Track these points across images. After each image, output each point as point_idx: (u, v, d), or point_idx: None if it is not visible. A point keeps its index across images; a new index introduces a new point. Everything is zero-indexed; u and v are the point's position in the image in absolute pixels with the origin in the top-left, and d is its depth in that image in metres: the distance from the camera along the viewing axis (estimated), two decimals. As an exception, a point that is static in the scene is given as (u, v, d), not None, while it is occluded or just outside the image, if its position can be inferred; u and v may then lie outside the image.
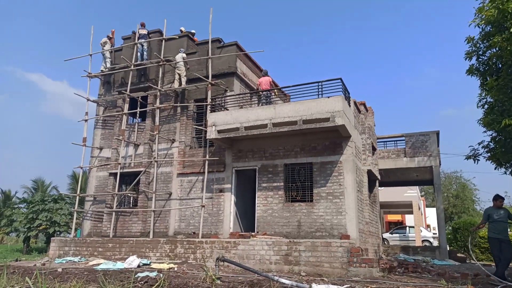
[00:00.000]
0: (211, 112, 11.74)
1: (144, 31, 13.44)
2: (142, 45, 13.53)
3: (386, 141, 15.61)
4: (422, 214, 25.79)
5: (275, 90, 12.64)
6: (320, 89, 10.40)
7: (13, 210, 20.77)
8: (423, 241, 20.97)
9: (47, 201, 17.91)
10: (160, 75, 13.22)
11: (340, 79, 10.28)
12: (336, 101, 9.92)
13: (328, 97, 10.06)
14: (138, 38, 13.52)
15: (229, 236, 11.04)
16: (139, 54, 13.60)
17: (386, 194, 20.69)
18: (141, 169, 12.97)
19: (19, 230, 19.21)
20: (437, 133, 14.85)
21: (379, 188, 16.34)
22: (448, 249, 16.29)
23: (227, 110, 11.76)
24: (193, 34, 13.91)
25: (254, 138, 11.41)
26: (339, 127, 9.94)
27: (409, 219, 28.28)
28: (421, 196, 29.40)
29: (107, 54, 14.19)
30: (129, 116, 14.25)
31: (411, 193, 21.66)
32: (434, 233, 23.62)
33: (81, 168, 13.88)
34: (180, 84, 12.75)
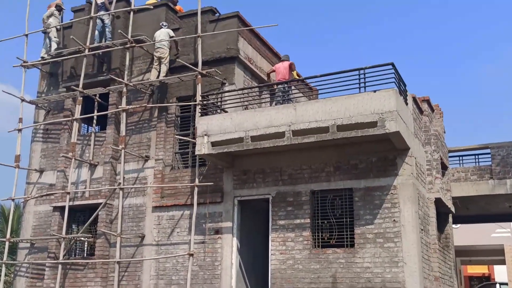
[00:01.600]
0: (202, 115, 11.96)
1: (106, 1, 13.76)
2: (102, 20, 13.71)
3: (462, 156, 15.90)
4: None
5: (297, 81, 13.04)
6: (362, 80, 10.61)
7: None
8: None
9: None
10: (127, 63, 13.33)
11: (392, 64, 10.38)
12: (387, 97, 10.05)
13: (375, 91, 10.22)
14: (97, 10, 13.75)
15: (230, 299, 10.89)
16: (97, 32, 13.78)
17: (464, 234, 20.73)
18: (100, 200, 13.05)
19: None
20: (540, 142, 14.88)
21: (454, 225, 16.31)
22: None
23: (225, 112, 11.94)
24: (175, 2, 14.23)
25: (266, 153, 11.50)
26: (391, 135, 10.05)
27: (500, 272, 28.05)
28: None
29: (53, 33, 14.38)
30: (82, 123, 14.43)
31: (502, 233, 21.71)
32: None
33: (12, 200, 14.28)
34: (158, 75, 12.89)
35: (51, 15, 14.44)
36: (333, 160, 11.19)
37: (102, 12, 13.64)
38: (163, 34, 12.93)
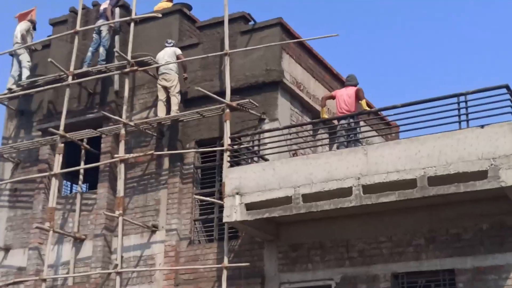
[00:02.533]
0: (231, 165, 11.65)
1: (106, 5, 14.15)
2: (99, 33, 13.67)
3: None
4: None
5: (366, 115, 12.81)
6: (463, 111, 10.36)
7: None
8: None
9: None
10: (127, 94, 12.98)
11: (506, 87, 9.96)
12: (501, 134, 9.66)
13: (482, 126, 9.86)
14: (97, 18, 13.96)
15: None
16: (89, 53, 13.75)
17: None
18: None
19: None
20: None
21: None
22: None
23: (265, 160, 11.60)
24: (190, 8, 13.98)
25: (325, 219, 11.09)
26: (509, 190, 9.53)
27: None
28: None
29: (25, 56, 14.27)
30: (64, 179, 14.24)
31: None
32: None
33: None
34: (169, 110, 12.58)
35: (25, 30, 14.51)
36: (424, 228, 10.79)
37: (101, 21, 13.66)
38: (168, 55, 12.87)
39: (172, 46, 12.97)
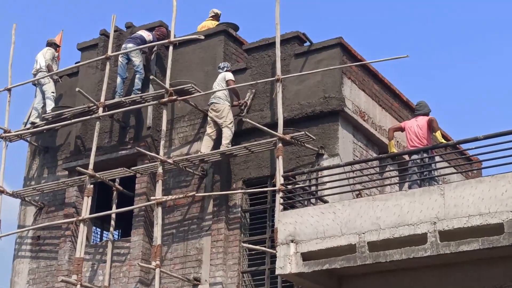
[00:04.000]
0: (285, 209, 10.66)
1: (145, 34, 13.26)
2: (129, 59, 13.01)
3: None
4: None
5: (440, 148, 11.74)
6: None
7: None
8: None
9: None
10: (164, 128, 12.23)
11: None
12: None
13: None
14: (119, 45, 13.33)
15: None
16: (120, 81, 13.08)
17: None
18: None
19: None
20: None
21: None
22: None
23: (324, 202, 10.67)
24: (237, 29, 13.32)
25: (395, 271, 10.07)
26: None
27: None
28: None
29: (50, 86, 13.63)
30: (93, 226, 13.68)
31: None
32: None
33: None
34: (213, 144, 11.92)
35: (53, 58, 13.99)
36: None
37: (130, 46, 12.86)
38: (218, 82, 12.04)
39: (225, 70, 12.17)
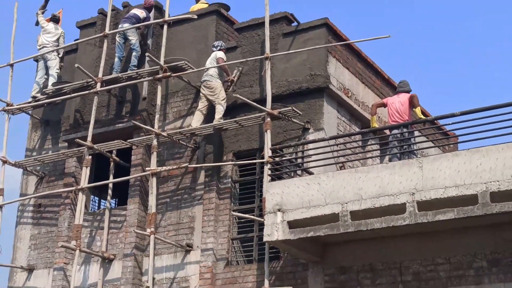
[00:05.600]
0: (273, 180, 11.03)
1: (139, 12, 13.42)
2: (126, 38, 13.25)
3: None
4: None
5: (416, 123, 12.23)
6: None
7: None
8: None
9: None
10: (159, 102, 12.50)
11: None
12: None
13: None
14: (117, 23, 13.56)
15: None
16: (117, 58, 13.27)
17: None
18: None
19: None
20: None
21: None
22: None
23: (310, 173, 11.03)
24: (228, 9, 13.49)
25: (376, 239, 10.50)
26: None
27: None
28: None
29: (53, 61, 13.82)
30: (91, 194, 14.04)
31: None
32: None
33: None
34: (206, 119, 12.22)
35: (59, 37, 14.09)
36: (487, 249, 10.09)
37: (126, 25, 13.01)
38: (210, 60, 12.28)
39: (218, 49, 12.32)
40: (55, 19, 14.57)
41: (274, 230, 10.06)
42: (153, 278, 11.68)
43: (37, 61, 14.42)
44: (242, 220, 11.69)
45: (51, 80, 13.94)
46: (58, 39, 14.74)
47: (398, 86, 12.22)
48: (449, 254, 9.98)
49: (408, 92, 11.98)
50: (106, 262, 12.47)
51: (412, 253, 10.27)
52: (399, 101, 11.59)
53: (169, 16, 13.07)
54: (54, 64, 14.07)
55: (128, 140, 12.49)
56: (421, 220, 9.24)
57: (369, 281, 10.41)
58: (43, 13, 14.99)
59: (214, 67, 12.39)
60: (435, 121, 12.34)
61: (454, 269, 9.93)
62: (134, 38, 13.21)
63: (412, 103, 11.69)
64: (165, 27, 12.73)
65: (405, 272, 10.24)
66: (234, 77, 12.67)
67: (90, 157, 12.56)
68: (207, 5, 13.91)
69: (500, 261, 9.62)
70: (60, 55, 14.71)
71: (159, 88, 12.41)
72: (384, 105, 12.15)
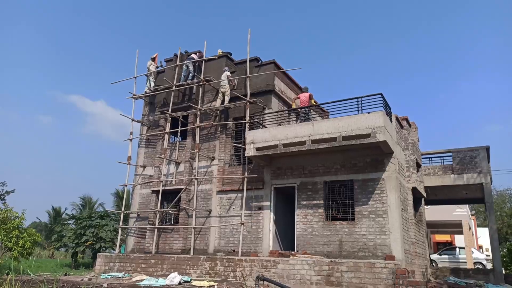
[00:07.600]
0: (249, 130, 15.37)
1: (194, 56, 17.70)
2: (188, 66, 17.71)
3: (431, 157, 19.25)
4: (473, 235, 30.00)
5: (313, 106, 16.31)
6: (360, 105, 13.59)
7: (63, 226, 26.57)
8: (475, 263, 25.07)
9: (94, 217, 23.44)
10: (200, 95, 17.38)
11: (381, 94, 13.47)
12: (377, 117, 12.74)
13: (369, 112, 12.95)
14: (184, 60, 17.87)
15: (268, 254, 14.35)
16: (183, 76, 17.84)
17: (433, 213, 24.50)
18: (182, 186, 17.00)
19: (68, 245, 25.48)
20: (487, 149, 18.51)
21: (426, 206, 19.50)
22: (503, 272, 19.54)
23: (265, 127, 15.14)
24: (231, 54, 18.25)
25: (293, 155, 14.51)
26: (380, 143, 12.67)
27: (459, 240, 32.69)
28: (472, 215, 33.42)
29: (152, 76, 18.44)
30: (170, 135, 18.06)
31: (460, 212, 25.64)
32: (487, 255, 27.61)
33: (125, 186, 18.41)
34: (223, 102, 16.83)
35: (150, 64, 18.67)
36: (340, 160, 14.10)
37: (187, 62, 17.65)
38: (224, 76, 16.58)
39: (227, 71, 16.61)
40: (153, 59, 19.41)
41: (250, 151, 14.34)
42: (197, 171, 16.25)
43: (147, 76, 19.35)
44: (236, 147, 16.25)
45: (152, 84, 18.73)
46: (156, 67, 19.02)
47: (303, 89, 16.64)
48: (324, 162, 14.28)
49: (307, 91, 16.34)
50: (177, 164, 17.22)
51: (308, 161, 14.35)
52: (304, 96, 15.93)
53: (205, 57, 17.85)
54: (151, 77, 19.05)
55: (187, 111, 17.19)
56: (312, 147, 13.28)
57: (289, 173, 14.74)
58: (153, 59, 19.42)
59: (227, 80, 16.25)
60: (319, 105, 16.47)
61: (326, 168, 14.28)
62: (191, 67, 17.81)
63: (310, 97, 16.09)
64: (203, 62, 17.86)
65: (305, 170, 14.42)
66: (234, 83, 16.65)
67: (170, 119, 17.53)
68: (221, 52, 18.19)
69: (345, 165, 13.69)
70: (153, 73, 19.03)
71: (200, 89, 17.28)
72: (298, 98, 16.20)
